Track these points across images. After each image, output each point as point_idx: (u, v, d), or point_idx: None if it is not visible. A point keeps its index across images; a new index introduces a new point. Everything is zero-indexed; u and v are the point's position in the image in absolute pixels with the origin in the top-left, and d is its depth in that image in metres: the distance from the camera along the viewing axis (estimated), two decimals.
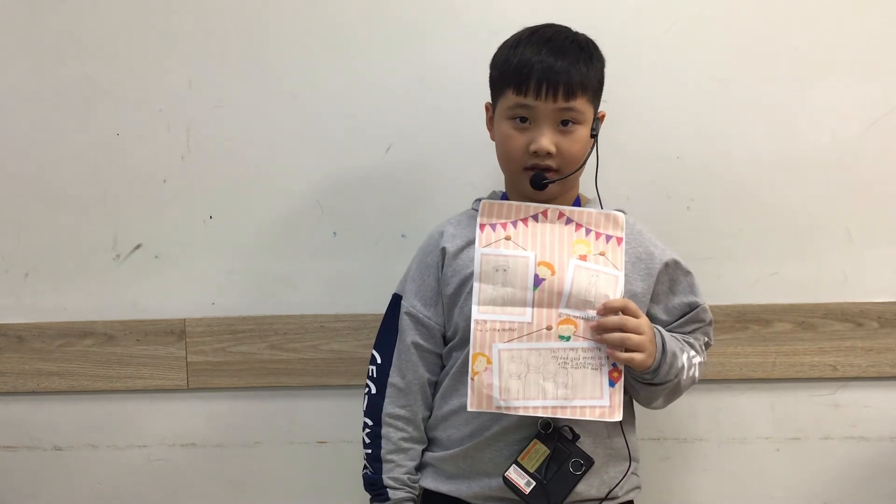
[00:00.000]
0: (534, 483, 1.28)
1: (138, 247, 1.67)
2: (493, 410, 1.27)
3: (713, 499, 1.68)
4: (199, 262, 1.67)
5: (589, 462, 1.29)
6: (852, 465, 1.67)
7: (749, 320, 1.64)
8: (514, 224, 1.32)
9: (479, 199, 1.40)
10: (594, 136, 1.34)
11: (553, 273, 1.28)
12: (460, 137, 1.63)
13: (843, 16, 1.61)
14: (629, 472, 1.36)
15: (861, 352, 1.64)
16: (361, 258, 1.66)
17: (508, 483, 1.28)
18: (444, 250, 1.38)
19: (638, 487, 1.40)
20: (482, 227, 1.31)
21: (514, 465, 1.29)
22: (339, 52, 1.63)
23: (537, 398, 1.26)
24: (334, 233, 1.66)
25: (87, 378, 1.67)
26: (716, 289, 1.62)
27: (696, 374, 1.37)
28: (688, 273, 1.39)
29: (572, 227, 1.32)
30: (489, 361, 1.27)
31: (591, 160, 1.36)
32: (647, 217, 1.57)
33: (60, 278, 1.68)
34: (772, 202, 1.64)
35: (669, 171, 1.64)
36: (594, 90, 1.32)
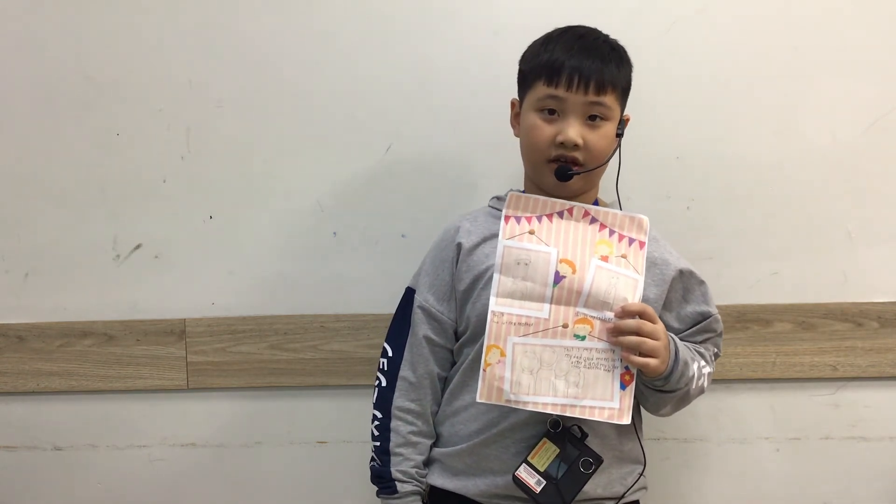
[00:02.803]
0: (544, 482, 1.28)
1: (138, 247, 1.67)
2: (503, 403, 1.27)
3: (713, 499, 1.68)
4: (199, 262, 1.67)
5: (598, 461, 1.29)
6: (852, 465, 1.67)
7: (749, 320, 1.64)
8: (539, 219, 1.31)
9: (496, 196, 1.41)
10: (619, 135, 1.34)
11: (574, 271, 1.28)
12: (461, 137, 1.63)
13: (843, 16, 1.61)
14: (640, 474, 1.36)
15: (861, 352, 1.64)
16: (361, 258, 1.66)
17: (518, 482, 1.28)
18: (459, 246, 1.38)
19: (644, 488, 1.40)
20: (507, 218, 1.31)
21: (523, 464, 1.29)
22: (339, 52, 1.63)
23: (547, 395, 1.26)
24: (334, 233, 1.66)
25: (87, 378, 1.67)
26: (716, 289, 1.62)
27: (705, 384, 1.37)
28: (702, 283, 1.39)
29: (596, 226, 1.31)
30: (503, 354, 1.27)
31: (613, 163, 1.35)
32: (646, 217, 1.57)
33: (60, 278, 1.67)
34: (772, 202, 1.64)
35: (669, 171, 1.64)
36: (623, 90, 1.33)
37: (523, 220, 1.31)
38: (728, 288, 1.63)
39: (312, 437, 1.69)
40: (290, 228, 1.66)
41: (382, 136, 1.64)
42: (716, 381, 1.64)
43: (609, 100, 1.30)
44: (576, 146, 1.29)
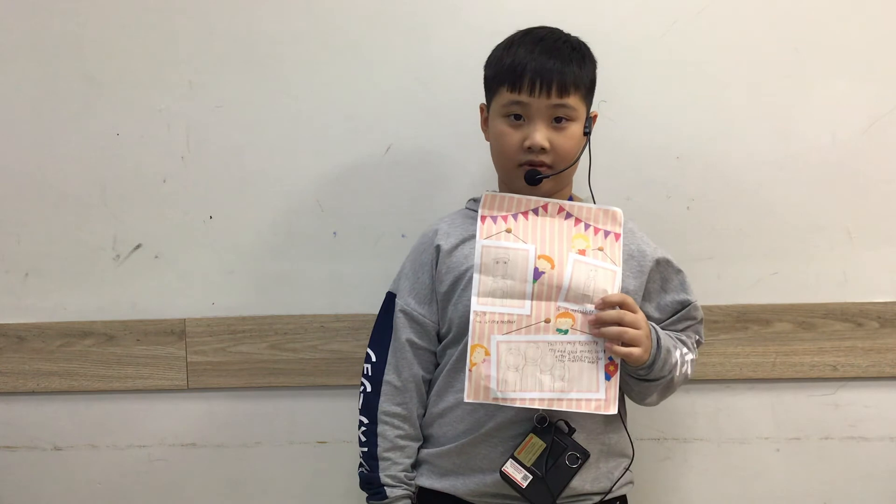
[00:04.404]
0: (531, 477, 1.28)
1: (138, 247, 1.67)
2: (490, 402, 1.28)
3: (714, 499, 1.68)
4: (199, 262, 1.67)
5: (585, 455, 1.29)
6: (852, 465, 1.67)
7: (749, 320, 1.64)
8: (515, 217, 1.33)
9: (473, 199, 1.42)
10: (587, 134, 1.35)
11: (553, 267, 1.29)
12: (460, 137, 1.63)
13: (843, 16, 1.61)
14: (626, 468, 1.37)
15: (861, 352, 1.64)
16: (361, 258, 1.66)
17: (505, 477, 1.29)
18: (438, 248, 1.39)
19: (631, 482, 1.41)
20: (483, 218, 1.32)
21: (510, 459, 1.30)
22: (339, 52, 1.63)
23: (534, 390, 1.27)
24: (334, 233, 1.66)
25: (87, 378, 1.67)
26: (716, 289, 1.63)
27: (689, 371, 1.38)
28: (679, 271, 1.40)
29: (571, 221, 1.33)
30: (487, 353, 1.28)
31: (584, 159, 1.36)
32: (647, 217, 1.57)
33: (60, 278, 1.67)
34: (772, 202, 1.64)
35: (669, 171, 1.64)
36: (587, 89, 1.34)
37: (500, 219, 1.32)
38: (728, 288, 1.64)
39: (312, 437, 1.69)
40: (290, 228, 1.66)
41: (382, 136, 1.64)
42: (716, 381, 1.65)
43: (573, 101, 1.31)
44: (543, 150, 1.31)
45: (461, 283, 1.35)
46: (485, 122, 1.42)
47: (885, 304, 1.63)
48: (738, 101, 1.62)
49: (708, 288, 1.62)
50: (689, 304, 1.39)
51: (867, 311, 1.63)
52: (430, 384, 1.41)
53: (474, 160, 1.62)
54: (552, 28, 1.37)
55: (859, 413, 1.66)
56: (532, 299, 1.29)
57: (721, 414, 1.67)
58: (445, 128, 1.63)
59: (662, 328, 1.36)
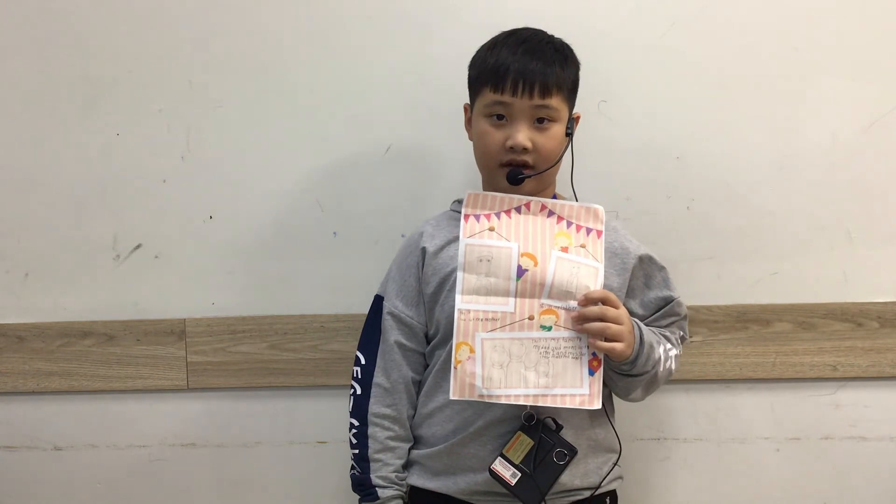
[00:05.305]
0: (519, 474, 1.29)
1: (138, 247, 1.68)
2: (476, 399, 1.29)
3: (713, 499, 1.68)
4: (199, 262, 1.67)
5: (572, 452, 1.31)
6: (852, 465, 1.67)
7: (749, 320, 1.64)
8: (498, 215, 1.34)
9: (458, 200, 1.43)
10: (569, 134, 1.36)
11: (536, 264, 1.30)
12: (460, 137, 1.62)
13: (843, 16, 1.61)
14: (614, 463, 1.38)
15: (861, 352, 1.64)
16: (361, 258, 1.66)
17: (494, 475, 1.30)
18: (423, 250, 1.40)
19: (620, 477, 1.41)
20: (466, 217, 1.33)
21: (499, 457, 1.31)
22: (339, 52, 1.63)
23: (519, 387, 1.28)
24: (334, 233, 1.66)
25: (87, 378, 1.67)
26: (716, 289, 1.63)
27: (673, 367, 1.39)
28: (662, 268, 1.41)
29: (554, 219, 1.34)
30: (472, 351, 1.29)
31: (567, 159, 1.37)
32: (646, 217, 1.57)
33: (60, 278, 1.68)
34: (772, 202, 1.64)
35: (669, 171, 1.64)
36: (569, 90, 1.35)
37: (483, 218, 1.33)
38: (728, 288, 1.64)
39: (312, 437, 1.69)
40: (290, 228, 1.66)
41: (382, 135, 1.64)
42: (716, 381, 1.65)
43: (555, 101, 1.32)
44: (525, 150, 1.32)
45: (447, 284, 1.36)
46: (468, 122, 1.43)
47: (885, 304, 1.63)
48: (738, 101, 1.62)
49: (708, 288, 1.62)
50: (673, 301, 1.40)
51: (867, 311, 1.63)
52: (419, 385, 1.41)
53: (474, 160, 1.62)
54: (536, 29, 1.38)
55: (859, 413, 1.66)
56: (516, 297, 1.30)
57: (721, 414, 1.67)
58: (445, 128, 1.63)
59: (647, 325, 1.37)
